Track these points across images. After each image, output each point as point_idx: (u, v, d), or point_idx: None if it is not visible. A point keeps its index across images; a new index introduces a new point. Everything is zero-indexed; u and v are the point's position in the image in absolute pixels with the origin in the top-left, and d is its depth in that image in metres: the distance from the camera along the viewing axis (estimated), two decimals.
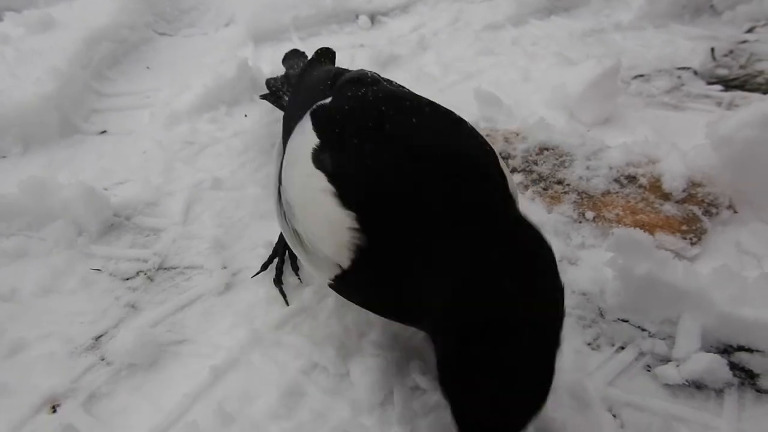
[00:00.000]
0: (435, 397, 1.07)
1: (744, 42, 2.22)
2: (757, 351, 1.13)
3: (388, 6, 2.49)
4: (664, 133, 1.71)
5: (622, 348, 1.18)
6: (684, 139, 1.59)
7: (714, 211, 1.39)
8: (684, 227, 1.35)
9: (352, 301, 0.96)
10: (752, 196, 1.37)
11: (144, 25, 2.41)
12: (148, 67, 2.25)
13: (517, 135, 1.65)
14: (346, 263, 0.81)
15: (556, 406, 1.05)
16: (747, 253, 1.32)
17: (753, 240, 1.33)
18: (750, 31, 2.32)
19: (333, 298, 1.26)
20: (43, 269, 1.38)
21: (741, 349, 1.14)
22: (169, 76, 2.15)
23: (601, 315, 1.24)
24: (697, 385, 1.10)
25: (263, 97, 1.72)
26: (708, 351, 1.13)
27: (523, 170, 1.56)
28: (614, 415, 1.06)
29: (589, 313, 1.24)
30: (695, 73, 2.06)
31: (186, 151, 1.74)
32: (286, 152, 1.02)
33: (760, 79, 2.02)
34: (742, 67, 2.09)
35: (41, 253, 1.43)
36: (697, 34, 2.29)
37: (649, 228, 1.34)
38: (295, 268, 1.30)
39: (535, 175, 1.54)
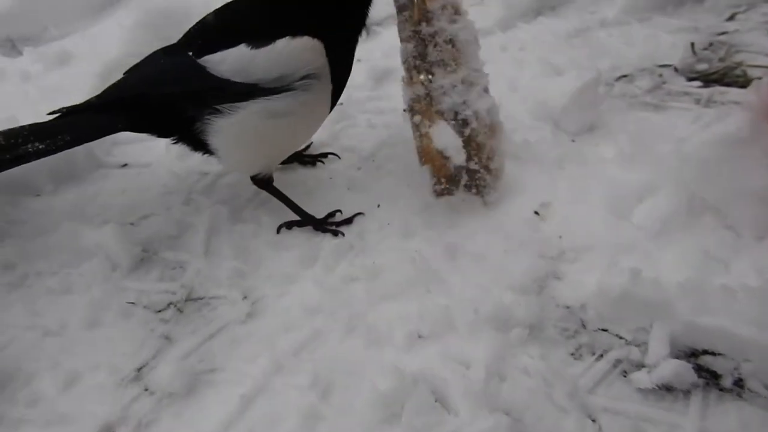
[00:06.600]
0: (446, 416, 1.23)
1: (723, 33, 2.31)
2: (719, 354, 1.28)
3: (381, 16, 2.57)
4: (644, 138, 1.82)
5: (602, 356, 1.33)
6: (661, 145, 1.71)
7: None
8: None
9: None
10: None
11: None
12: None
13: None
14: None
15: (542, 414, 1.22)
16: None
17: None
18: (731, 18, 2.40)
19: (343, 321, 1.41)
20: (85, 304, 1.54)
21: (705, 352, 1.29)
22: None
23: (583, 326, 1.39)
24: (667, 388, 1.25)
25: None
26: (677, 356, 1.28)
27: None
28: (593, 420, 1.22)
29: (572, 325, 1.39)
30: (675, 69, 2.16)
31: (202, 183, 1.89)
32: None
33: (738, 71, 2.12)
34: (721, 60, 2.18)
35: (82, 288, 1.59)
36: (679, 26, 2.37)
37: None
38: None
39: None
